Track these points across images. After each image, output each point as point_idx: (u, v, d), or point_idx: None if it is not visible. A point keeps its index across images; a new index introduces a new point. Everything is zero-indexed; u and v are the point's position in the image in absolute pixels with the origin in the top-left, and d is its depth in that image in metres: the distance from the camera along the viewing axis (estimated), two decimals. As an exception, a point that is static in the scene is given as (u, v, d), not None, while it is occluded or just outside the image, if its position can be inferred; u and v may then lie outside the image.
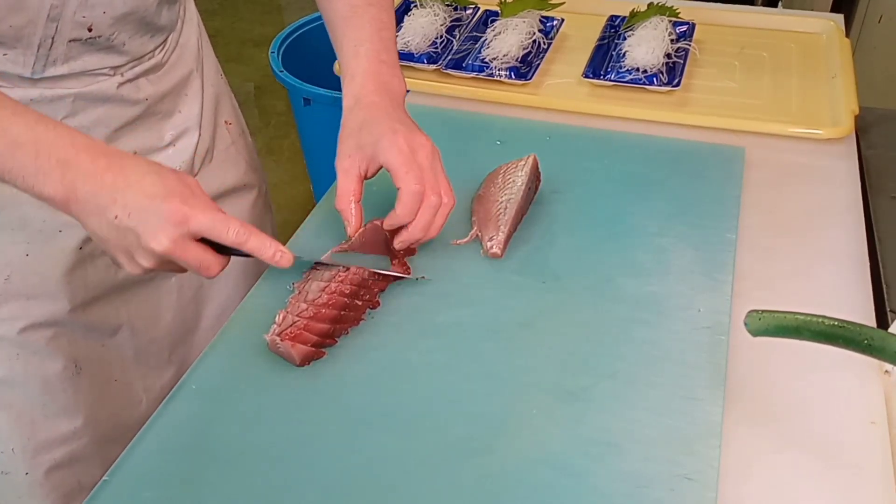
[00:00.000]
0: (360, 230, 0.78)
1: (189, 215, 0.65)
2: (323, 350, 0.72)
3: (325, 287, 0.74)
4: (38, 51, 0.71)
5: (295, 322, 0.71)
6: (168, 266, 0.68)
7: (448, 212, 0.77)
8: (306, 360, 0.71)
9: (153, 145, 0.85)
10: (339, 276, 0.75)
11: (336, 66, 1.18)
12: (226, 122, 0.95)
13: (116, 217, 0.64)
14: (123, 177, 0.65)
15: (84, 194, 0.64)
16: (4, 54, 0.71)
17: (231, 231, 0.67)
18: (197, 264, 0.67)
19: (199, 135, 0.89)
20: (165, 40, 0.84)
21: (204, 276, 0.68)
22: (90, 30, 0.73)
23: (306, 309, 0.73)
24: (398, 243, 0.77)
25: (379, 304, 0.77)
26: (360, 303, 0.75)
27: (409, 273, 0.79)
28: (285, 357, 0.71)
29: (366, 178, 0.78)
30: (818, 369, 0.71)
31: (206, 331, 0.97)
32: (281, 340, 0.70)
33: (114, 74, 0.78)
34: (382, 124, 0.76)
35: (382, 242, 0.80)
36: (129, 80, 0.80)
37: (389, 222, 0.77)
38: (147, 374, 0.92)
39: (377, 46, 0.81)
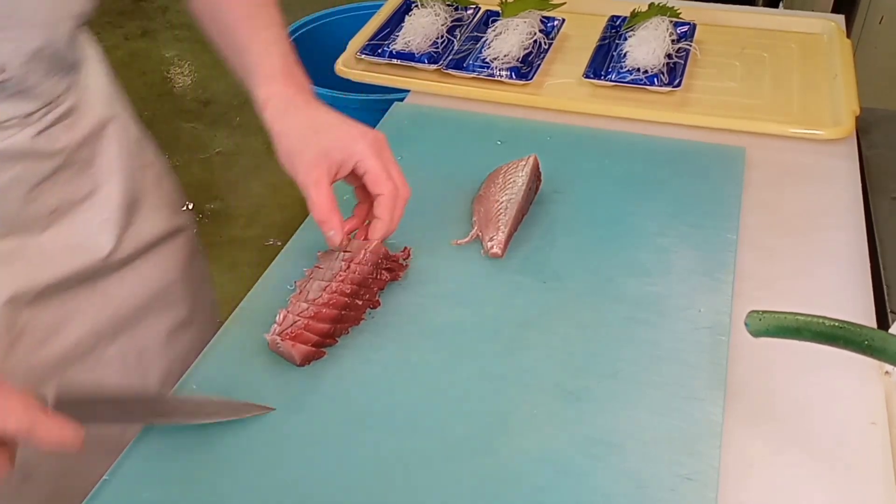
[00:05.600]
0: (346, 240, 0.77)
1: None
2: (323, 350, 0.72)
3: (327, 286, 0.74)
4: None
5: (296, 322, 0.71)
6: None
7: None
8: (307, 360, 0.71)
9: (74, 199, 0.77)
10: (340, 276, 0.75)
11: (338, 66, 1.18)
12: (143, 165, 0.86)
13: None
14: None
15: None
16: None
17: (13, 418, 0.54)
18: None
19: (123, 182, 0.81)
20: (74, 81, 0.76)
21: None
22: (2, 71, 0.66)
23: (307, 308, 0.72)
24: (378, 238, 0.77)
25: (379, 304, 0.77)
26: (360, 302, 0.75)
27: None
28: (286, 357, 0.71)
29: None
30: (818, 370, 0.71)
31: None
32: (282, 340, 0.70)
33: (25, 126, 0.71)
34: (339, 127, 0.75)
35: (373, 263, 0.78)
36: (44, 130, 0.72)
37: (381, 232, 0.76)
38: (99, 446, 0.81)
39: (285, 47, 0.79)
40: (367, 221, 0.80)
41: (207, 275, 0.98)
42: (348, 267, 0.76)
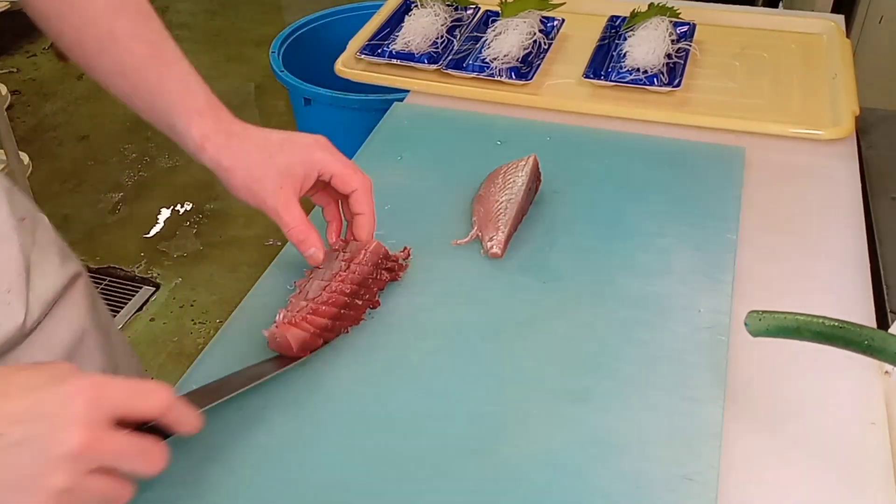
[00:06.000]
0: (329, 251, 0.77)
1: (101, 384, 0.50)
2: (320, 340, 0.72)
3: (326, 286, 0.74)
4: None
5: (295, 315, 0.71)
6: (93, 486, 0.50)
7: None
8: (304, 349, 0.70)
9: None
10: (340, 276, 0.75)
11: (338, 66, 1.18)
12: (21, 219, 0.77)
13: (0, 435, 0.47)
14: None
15: None
16: None
17: (158, 395, 0.53)
18: (136, 454, 0.51)
19: (16, 242, 0.73)
20: None
21: (149, 472, 0.53)
22: None
23: (306, 306, 0.72)
24: (367, 233, 0.77)
25: (379, 304, 0.77)
26: (360, 302, 0.75)
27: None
28: (284, 349, 0.71)
29: None
30: (818, 370, 0.71)
31: None
32: (277, 328, 0.70)
33: None
34: (290, 143, 0.73)
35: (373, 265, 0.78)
36: None
37: (368, 226, 0.76)
38: None
39: (200, 79, 0.75)
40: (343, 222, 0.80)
41: (110, 317, 0.90)
42: (348, 267, 0.76)
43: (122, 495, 0.52)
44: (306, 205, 0.82)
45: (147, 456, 0.52)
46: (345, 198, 0.77)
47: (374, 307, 0.77)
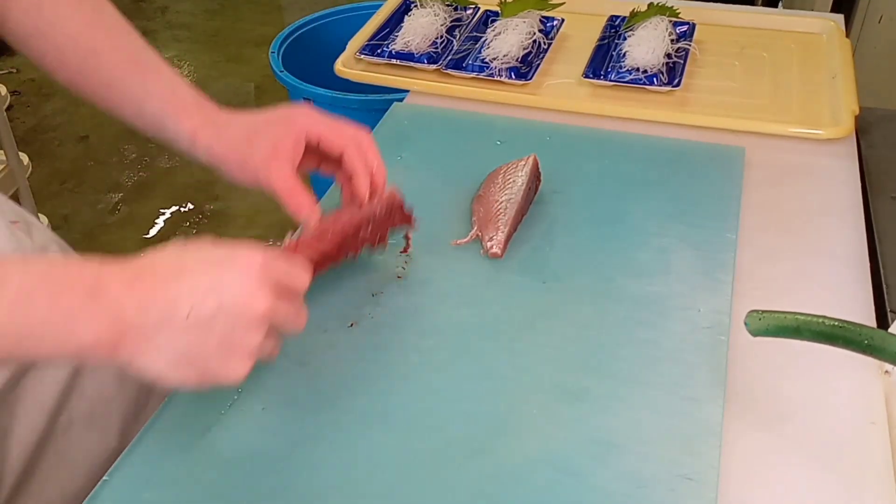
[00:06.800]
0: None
1: (266, 257, 0.56)
2: (328, 263, 0.71)
3: (334, 218, 0.73)
4: None
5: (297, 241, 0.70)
6: (269, 341, 0.58)
7: None
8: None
9: None
10: (351, 211, 0.74)
11: (337, 66, 1.18)
12: (12, 222, 0.78)
13: (191, 311, 0.52)
14: (162, 269, 0.54)
15: (133, 314, 0.51)
16: None
17: (303, 272, 0.61)
18: (296, 315, 0.59)
19: (9, 246, 0.74)
20: None
21: (298, 330, 0.60)
22: None
23: (313, 230, 0.71)
24: (365, 195, 0.75)
25: (387, 244, 0.77)
26: (365, 234, 0.74)
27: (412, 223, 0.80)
28: None
29: None
30: (818, 369, 0.71)
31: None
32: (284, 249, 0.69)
33: None
34: (272, 117, 0.74)
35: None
36: None
37: (365, 186, 0.74)
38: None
39: (181, 79, 0.76)
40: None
41: None
42: (360, 206, 0.74)
43: (276, 347, 0.60)
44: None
45: (301, 316, 0.60)
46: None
47: (383, 245, 0.77)
